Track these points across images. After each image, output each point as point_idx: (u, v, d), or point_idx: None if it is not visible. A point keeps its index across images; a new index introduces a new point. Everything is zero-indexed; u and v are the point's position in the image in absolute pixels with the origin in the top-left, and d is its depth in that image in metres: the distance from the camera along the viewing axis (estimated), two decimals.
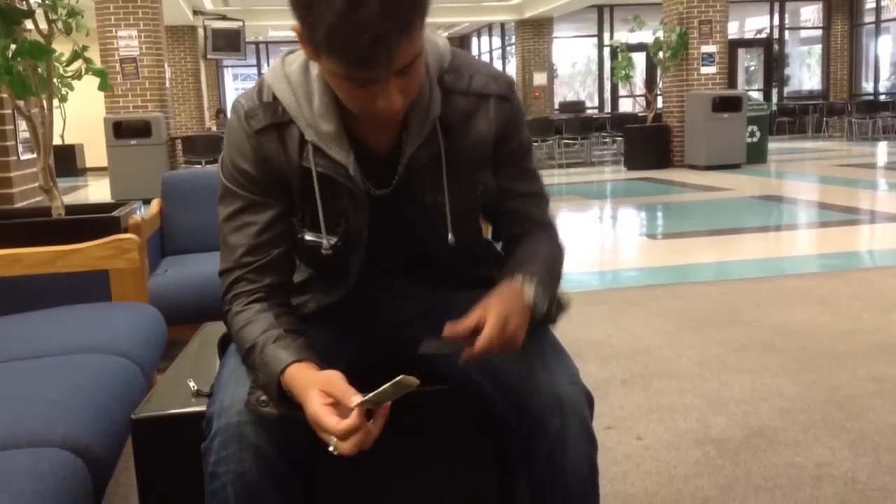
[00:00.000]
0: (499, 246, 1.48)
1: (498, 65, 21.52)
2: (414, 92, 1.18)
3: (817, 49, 20.34)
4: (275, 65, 1.29)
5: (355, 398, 1.08)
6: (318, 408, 1.09)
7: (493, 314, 1.17)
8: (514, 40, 19.43)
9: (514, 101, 1.34)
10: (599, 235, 7.14)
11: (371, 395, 1.07)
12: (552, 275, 1.34)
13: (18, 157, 3.90)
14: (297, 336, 1.25)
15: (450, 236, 1.33)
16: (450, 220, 1.32)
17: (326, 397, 1.10)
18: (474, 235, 1.44)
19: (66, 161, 14.14)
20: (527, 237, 1.40)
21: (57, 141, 3.49)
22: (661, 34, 11.93)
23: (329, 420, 1.08)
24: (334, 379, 1.13)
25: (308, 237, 1.31)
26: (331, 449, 1.08)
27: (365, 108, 1.14)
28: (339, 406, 1.10)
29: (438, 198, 1.32)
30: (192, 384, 1.43)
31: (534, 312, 1.24)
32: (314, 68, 1.24)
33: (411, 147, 1.27)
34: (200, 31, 14.97)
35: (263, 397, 1.19)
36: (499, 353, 1.18)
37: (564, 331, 1.40)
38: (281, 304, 1.32)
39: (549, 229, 1.43)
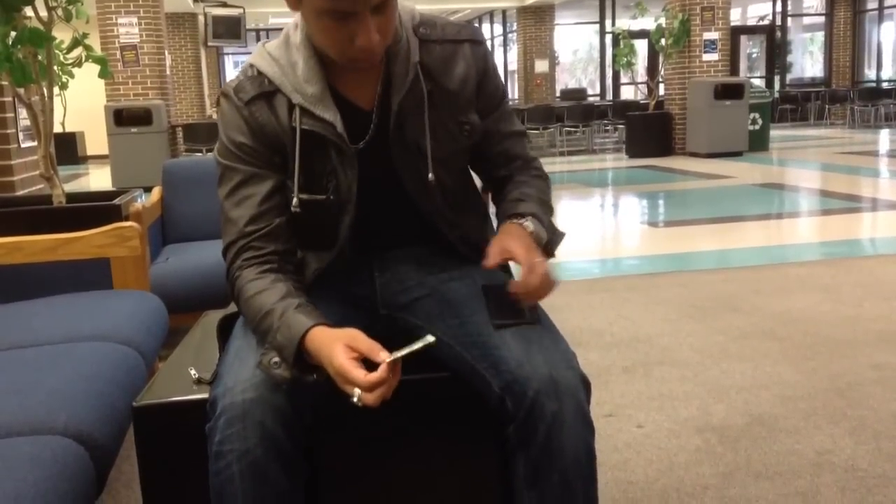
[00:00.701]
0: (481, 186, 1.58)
1: (500, 52, 21.45)
2: (389, 33, 1.28)
3: (820, 36, 20.26)
4: (255, 50, 1.39)
5: (383, 353, 1.15)
6: (344, 360, 1.15)
7: (518, 250, 1.26)
8: (515, 27, 19.35)
9: (485, 45, 1.45)
10: (601, 223, 7.14)
11: (401, 352, 1.14)
12: (545, 209, 1.44)
13: (19, 145, 3.89)
14: (316, 308, 1.28)
15: (430, 175, 1.38)
16: (430, 160, 1.37)
17: (351, 352, 1.16)
18: (460, 182, 1.49)
19: (67, 149, 14.13)
20: (515, 177, 1.50)
21: (57, 129, 3.50)
22: (663, 21, 11.87)
23: (357, 373, 1.14)
24: (359, 336, 1.19)
25: (304, 197, 1.35)
26: (354, 400, 1.14)
27: (345, 48, 1.23)
28: (361, 361, 1.16)
29: (421, 141, 1.38)
30: (192, 372, 1.43)
31: (537, 242, 1.34)
32: (295, 37, 1.33)
33: (398, 94, 1.34)
34: (201, 19, 14.92)
35: (276, 359, 1.21)
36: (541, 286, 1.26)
37: (565, 318, 1.41)
38: (295, 279, 1.35)
39: (533, 165, 1.53)
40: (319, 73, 1.31)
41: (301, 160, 1.34)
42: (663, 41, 11.80)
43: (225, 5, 13.54)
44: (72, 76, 11.07)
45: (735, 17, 17.98)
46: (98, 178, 11.96)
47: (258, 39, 19.69)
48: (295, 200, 1.35)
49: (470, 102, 1.42)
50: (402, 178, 1.40)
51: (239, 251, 1.34)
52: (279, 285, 1.30)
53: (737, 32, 17.01)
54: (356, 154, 1.35)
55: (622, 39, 12.79)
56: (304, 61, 1.31)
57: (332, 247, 1.41)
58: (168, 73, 10.30)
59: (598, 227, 6.88)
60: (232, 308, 1.42)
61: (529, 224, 1.36)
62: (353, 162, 1.35)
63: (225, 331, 1.43)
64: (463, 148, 1.44)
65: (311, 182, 1.35)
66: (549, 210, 1.46)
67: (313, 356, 1.20)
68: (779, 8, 19.30)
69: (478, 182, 1.57)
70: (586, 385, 1.29)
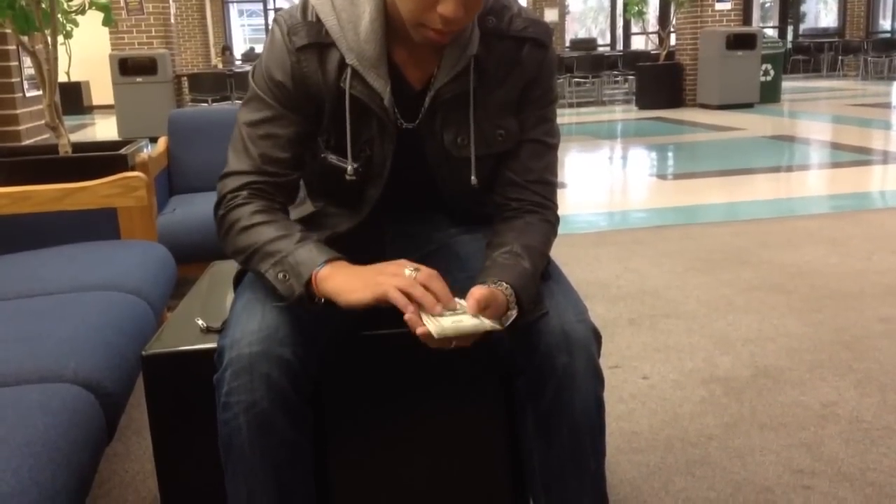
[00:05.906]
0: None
1: None
2: (472, 16, 1.21)
3: None
4: None
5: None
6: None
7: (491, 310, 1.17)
8: None
9: (550, 49, 1.36)
10: (609, 176, 7.09)
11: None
12: (537, 270, 1.29)
13: (24, 94, 3.87)
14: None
15: (473, 178, 1.33)
16: (474, 162, 1.33)
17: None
18: (488, 179, 1.42)
19: (72, 98, 14.03)
20: (524, 216, 1.35)
21: (62, 78, 3.46)
22: None
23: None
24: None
25: (332, 159, 1.32)
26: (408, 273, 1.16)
27: (424, 12, 1.17)
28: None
29: (459, 138, 1.33)
30: (200, 322, 1.44)
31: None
32: None
33: (441, 80, 1.29)
34: None
35: (283, 275, 1.20)
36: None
37: (572, 271, 1.40)
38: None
39: (546, 199, 1.37)
40: (381, 37, 1.25)
41: (339, 121, 1.29)
42: None
43: None
44: (76, 24, 10.91)
45: None
46: (104, 128, 11.91)
47: None
48: (349, 168, 1.30)
49: (510, 107, 1.35)
50: (433, 170, 1.36)
51: (250, 184, 1.29)
52: (293, 223, 1.28)
53: None
54: (396, 132, 1.31)
55: None
56: (369, 19, 1.24)
57: (356, 215, 1.38)
58: (172, 21, 10.18)
59: (606, 180, 6.84)
60: None
61: (513, 312, 1.20)
62: (392, 138, 1.31)
63: (241, 282, 1.42)
64: (495, 153, 1.36)
65: (345, 147, 1.31)
66: (545, 261, 1.33)
67: (329, 283, 1.17)
68: None
69: None
70: (597, 337, 1.28)
